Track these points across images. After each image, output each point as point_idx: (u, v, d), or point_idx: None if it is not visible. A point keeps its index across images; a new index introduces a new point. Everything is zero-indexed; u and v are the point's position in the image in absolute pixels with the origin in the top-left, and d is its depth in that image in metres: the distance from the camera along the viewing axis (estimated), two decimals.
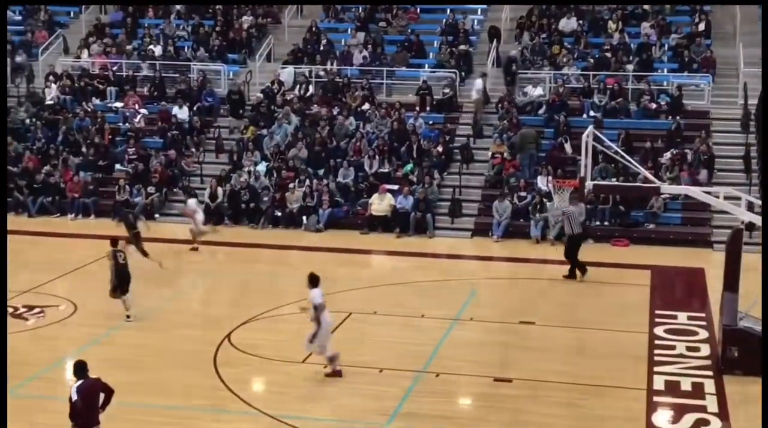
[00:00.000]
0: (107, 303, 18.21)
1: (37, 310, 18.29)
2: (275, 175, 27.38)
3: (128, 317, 17.68)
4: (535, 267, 22.89)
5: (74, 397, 10.92)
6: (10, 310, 18.17)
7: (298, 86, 30.64)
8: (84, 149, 28.72)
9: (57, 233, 25.17)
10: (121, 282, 17.79)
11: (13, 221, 25.88)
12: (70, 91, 31.08)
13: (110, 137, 29.07)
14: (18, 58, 32.14)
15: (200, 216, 24.47)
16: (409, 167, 27.38)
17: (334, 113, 29.29)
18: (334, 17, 34.21)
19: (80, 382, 11.05)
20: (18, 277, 20.61)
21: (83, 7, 34.83)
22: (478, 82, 29.15)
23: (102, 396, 11.12)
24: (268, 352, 16.10)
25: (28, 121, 29.88)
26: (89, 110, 30.14)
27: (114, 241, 18.17)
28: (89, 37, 33.52)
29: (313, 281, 14.81)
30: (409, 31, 32.35)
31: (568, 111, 28.22)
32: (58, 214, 27.00)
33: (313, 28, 32.66)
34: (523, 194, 26.01)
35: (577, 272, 21.20)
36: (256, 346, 16.40)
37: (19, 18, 34.62)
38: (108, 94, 31.06)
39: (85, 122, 29.62)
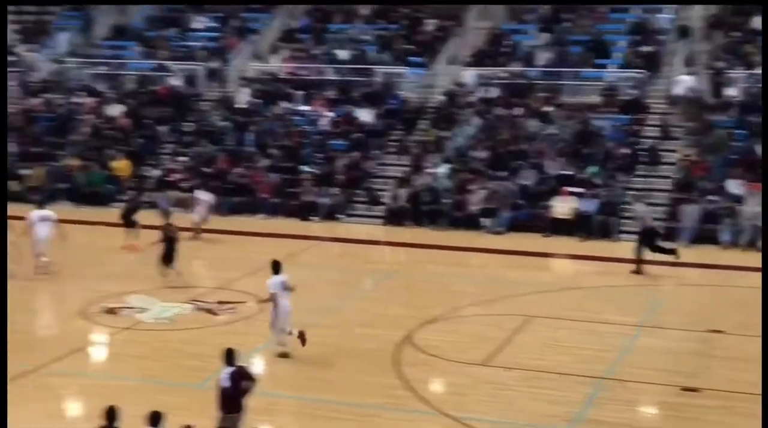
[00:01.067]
0: (293, 300, 18.70)
1: (228, 306, 18.99)
2: (456, 177, 27.46)
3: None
4: (725, 274, 22.05)
5: (226, 383, 11.27)
6: (201, 305, 18.93)
7: (480, 88, 30.62)
8: (272, 151, 29.63)
9: (247, 231, 26.04)
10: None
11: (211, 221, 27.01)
12: (260, 95, 32.13)
13: (297, 139, 29.88)
14: (212, 64, 33.50)
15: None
16: (593, 169, 26.89)
17: (517, 114, 29.10)
18: (517, 19, 34.00)
19: (231, 369, 11.43)
20: (210, 274, 21.52)
21: (273, 13, 35.91)
22: (687, 79, 28.34)
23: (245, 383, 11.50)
24: (448, 353, 16.16)
25: (221, 124, 31.09)
26: (278, 113, 31.07)
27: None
28: (279, 42, 34.58)
29: (274, 267, 15.86)
30: (595, 31, 31.78)
31: (761, 112, 27.02)
32: (249, 214, 27.93)
33: (496, 30, 32.55)
34: (713, 197, 25.10)
35: None
36: (436, 347, 16.49)
37: (214, 25, 36.07)
38: (295, 97, 31.93)
39: (274, 125, 30.57)
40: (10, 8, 37.95)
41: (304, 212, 27.45)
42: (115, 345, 17.11)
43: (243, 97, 32.15)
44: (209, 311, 18.72)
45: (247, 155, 29.60)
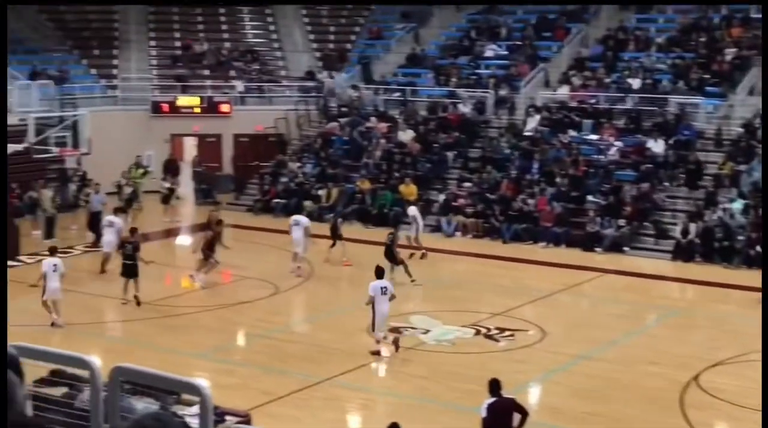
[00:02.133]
0: (574, 331, 18.49)
1: (508, 333, 18.99)
2: (752, 213, 26.04)
3: None
4: None
5: (483, 414, 11.11)
6: (482, 330, 19.06)
7: None
8: (558, 180, 29.43)
9: (528, 259, 25.95)
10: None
11: (487, 245, 27.23)
12: (548, 123, 32.03)
13: (584, 168, 29.49)
14: (502, 92, 33.82)
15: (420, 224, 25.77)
16: None
17: None
18: None
19: (492, 400, 11.26)
20: (491, 300, 21.64)
21: (565, 41, 35.80)
22: None
23: (516, 416, 11.22)
24: (736, 398, 15.32)
25: (507, 151, 31.26)
26: (565, 141, 30.84)
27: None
28: (570, 70, 34.39)
29: (377, 273, 17.61)
30: None
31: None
32: (531, 241, 27.85)
33: None
34: None
35: None
36: (724, 391, 15.68)
37: (505, 53, 36.44)
38: (584, 126, 31.56)
39: (560, 153, 30.35)
40: (311, 36, 40.28)
41: (588, 242, 27.02)
42: (396, 363, 17.56)
43: (531, 125, 32.19)
44: (490, 337, 18.80)
45: (532, 182, 29.57)
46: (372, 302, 17.10)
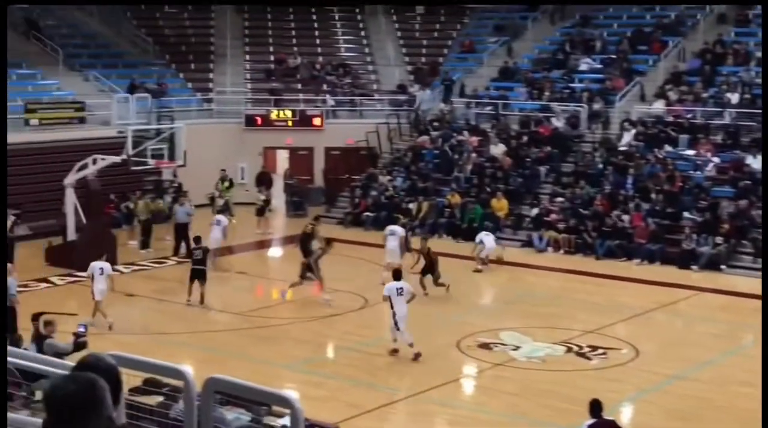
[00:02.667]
0: (668, 350, 18.09)
1: (600, 351, 18.67)
2: None
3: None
4: None
5: None
6: (574, 348, 18.78)
7: None
8: (653, 196, 28.90)
9: (621, 276, 25.50)
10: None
11: (580, 261, 26.82)
12: (644, 137, 31.50)
13: (680, 184, 28.92)
14: (596, 106, 33.40)
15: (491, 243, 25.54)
16: None
17: None
18: None
19: (593, 421, 11.07)
20: (583, 317, 21.32)
21: (661, 55, 35.20)
22: None
23: None
24: None
25: (601, 166, 30.84)
26: (660, 156, 30.28)
27: None
28: (666, 84, 33.79)
29: (394, 275, 18.63)
30: None
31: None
32: (624, 258, 27.36)
33: None
34: None
35: None
36: None
37: (600, 66, 35.99)
38: (680, 141, 30.96)
39: (655, 169, 29.81)
40: (403, 50, 40.41)
41: (684, 260, 26.43)
42: (486, 379, 17.42)
43: (625, 140, 31.70)
44: (582, 354, 18.50)
45: (626, 198, 29.09)
46: (388, 301, 17.91)
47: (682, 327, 21.80)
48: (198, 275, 21.64)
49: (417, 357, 17.62)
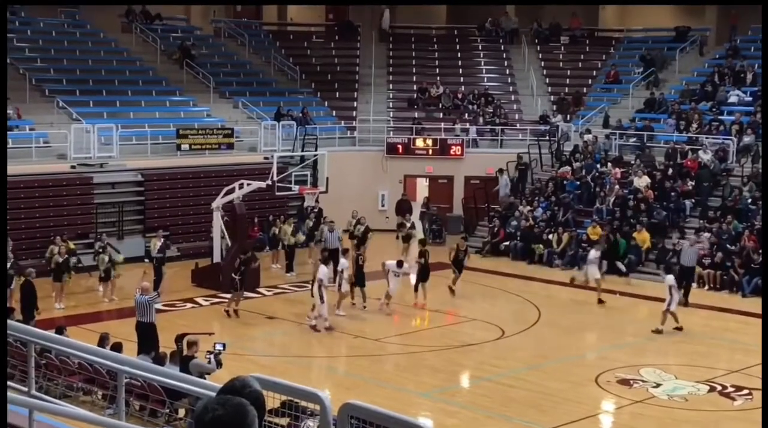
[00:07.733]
0: None
1: (745, 391, 18.00)
2: None
3: None
4: None
5: None
6: (717, 388, 18.18)
7: None
8: None
9: None
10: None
11: (725, 298, 26.02)
12: None
13: None
14: (746, 139, 32.36)
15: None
16: None
17: None
18: None
19: None
20: (727, 356, 20.64)
21: None
22: None
23: None
24: None
25: (749, 201, 29.83)
26: None
27: None
28: None
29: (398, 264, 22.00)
30: None
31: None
32: None
33: None
34: None
35: None
36: None
37: (750, 99, 34.90)
38: None
39: None
40: (547, 80, 40.17)
41: None
42: (625, 416, 17.03)
43: None
44: (726, 395, 17.89)
45: None
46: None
47: None
48: (241, 285, 23.09)
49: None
